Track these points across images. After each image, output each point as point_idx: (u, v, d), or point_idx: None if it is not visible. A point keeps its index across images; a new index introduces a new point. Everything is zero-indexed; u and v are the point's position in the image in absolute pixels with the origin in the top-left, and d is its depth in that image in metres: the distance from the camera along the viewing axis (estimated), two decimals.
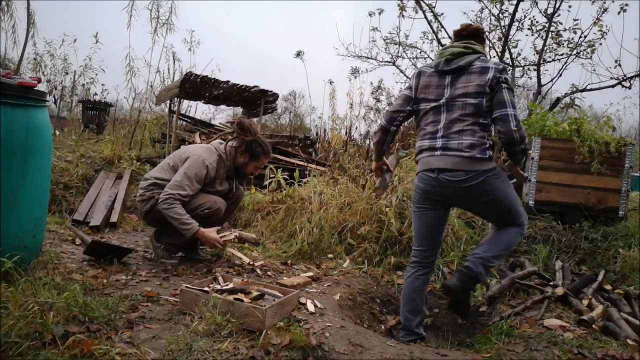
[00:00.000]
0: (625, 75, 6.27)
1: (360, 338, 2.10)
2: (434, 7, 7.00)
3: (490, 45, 6.97)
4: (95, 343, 1.68)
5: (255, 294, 2.33)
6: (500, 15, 6.76)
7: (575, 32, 6.49)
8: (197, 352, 1.76)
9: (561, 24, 6.57)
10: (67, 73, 7.63)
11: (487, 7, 6.87)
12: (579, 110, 6.01)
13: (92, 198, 4.28)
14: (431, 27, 7.18)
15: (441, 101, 2.33)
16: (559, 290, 2.87)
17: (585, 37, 6.42)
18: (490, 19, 6.91)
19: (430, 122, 2.36)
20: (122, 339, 1.83)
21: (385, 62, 8.00)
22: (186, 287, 2.29)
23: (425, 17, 7.09)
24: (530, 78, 7.20)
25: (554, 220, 4.22)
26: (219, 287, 2.48)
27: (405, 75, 8.00)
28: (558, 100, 6.80)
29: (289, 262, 3.42)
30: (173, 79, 7.43)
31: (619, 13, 6.21)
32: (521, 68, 7.15)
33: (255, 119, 6.46)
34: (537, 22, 6.67)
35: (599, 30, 6.33)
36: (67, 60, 7.52)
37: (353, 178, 4.54)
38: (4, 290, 1.94)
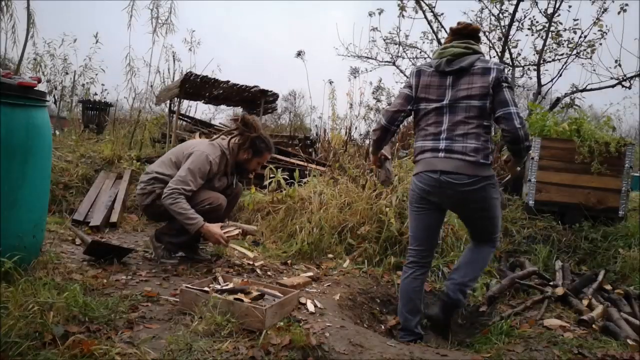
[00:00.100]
0: (625, 75, 6.27)
1: (360, 338, 2.10)
2: (434, 7, 7.01)
3: (490, 45, 6.98)
4: (95, 343, 1.68)
5: (255, 294, 2.33)
6: (500, 15, 6.76)
7: (575, 32, 6.50)
8: (197, 352, 1.76)
9: (561, 24, 6.57)
10: (67, 73, 7.63)
11: (487, 7, 6.88)
12: (579, 110, 6.02)
13: (92, 198, 4.28)
14: (431, 27, 7.19)
15: (444, 102, 2.31)
16: (559, 290, 2.88)
17: (585, 37, 6.43)
18: (490, 19, 6.91)
19: (432, 122, 2.34)
20: (122, 339, 1.83)
21: (385, 62, 8.01)
22: (186, 287, 2.29)
23: (425, 17, 7.09)
24: (530, 78, 7.21)
25: (554, 220, 4.22)
26: (219, 287, 2.48)
27: (405, 75, 8.00)
28: (558, 100, 6.80)
29: (289, 262, 3.42)
30: (173, 79, 7.44)
31: (619, 13, 6.22)
32: (521, 68, 7.15)
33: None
34: (537, 22, 6.68)
35: (599, 30, 6.34)
36: (67, 60, 7.53)
37: (353, 178, 4.54)
38: (4, 290, 1.94)
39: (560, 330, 2.40)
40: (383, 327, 2.84)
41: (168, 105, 6.60)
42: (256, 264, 3.20)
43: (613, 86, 6.38)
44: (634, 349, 2.18)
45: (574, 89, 6.73)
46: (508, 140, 2.30)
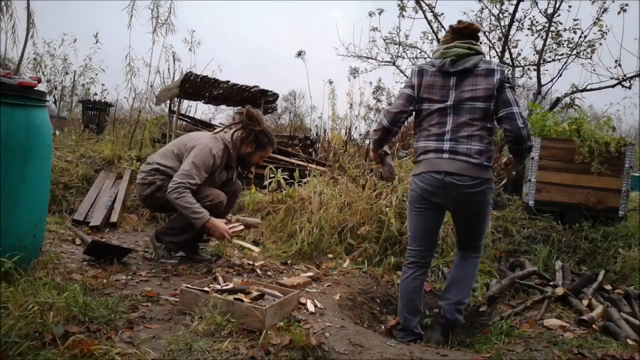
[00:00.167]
0: (625, 75, 6.27)
1: (360, 338, 2.10)
2: (434, 7, 7.01)
3: (490, 45, 6.98)
4: (95, 343, 1.68)
5: (255, 294, 2.33)
6: (500, 15, 6.76)
7: (575, 32, 6.50)
8: (197, 352, 1.76)
9: (561, 24, 6.57)
10: (67, 73, 7.62)
11: (487, 7, 6.88)
12: (579, 110, 6.02)
13: (92, 198, 4.28)
14: (431, 27, 7.19)
15: (447, 103, 2.30)
16: (559, 290, 2.88)
17: (585, 37, 6.43)
18: (490, 19, 6.91)
19: (435, 123, 2.33)
20: (122, 339, 1.83)
21: (385, 62, 8.00)
22: (186, 287, 2.29)
23: (425, 17, 7.09)
24: (530, 78, 7.20)
25: (554, 220, 4.22)
26: (219, 287, 2.48)
27: (405, 75, 8.00)
28: (558, 100, 6.80)
29: (289, 262, 3.42)
30: (173, 79, 7.43)
31: (619, 13, 6.21)
32: (521, 68, 7.15)
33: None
34: (537, 22, 6.68)
35: (599, 30, 6.34)
36: (67, 60, 7.52)
37: (353, 178, 4.54)
38: (4, 290, 1.94)
39: (560, 330, 2.40)
40: (383, 327, 2.84)
41: (168, 105, 6.59)
42: (256, 264, 3.20)
43: (613, 86, 6.38)
44: (634, 349, 2.18)
45: (574, 89, 6.73)
46: (510, 140, 2.31)
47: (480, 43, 2.51)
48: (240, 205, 4.59)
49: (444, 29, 7.11)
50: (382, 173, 2.77)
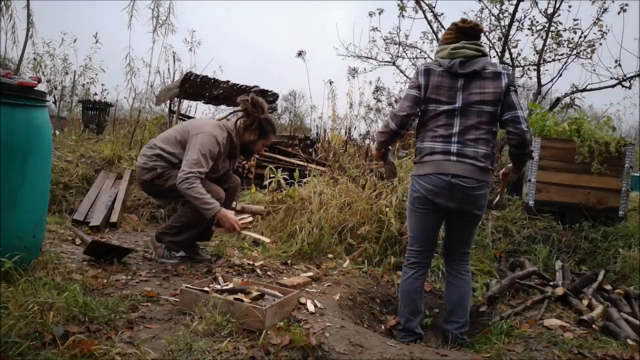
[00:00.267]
0: (625, 75, 6.26)
1: (360, 338, 2.10)
2: (434, 7, 7.00)
3: (490, 45, 6.97)
4: (95, 343, 1.68)
5: (255, 294, 2.33)
6: (500, 15, 6.75)
7: (575, 32, 6.49)
8: (197, 352, 1.76)
9: (561, 24, 6.56)
10: (67, 73, 7.62)
11: (487, 7, 6.87)
12: (579, 110, 6.02)
13: (92, 198, 4.28)
14: (431, 27, 7.18)
15: (456, 105, 2.28)
16: (559, 290, 2.88)
17: (585, 37, 6.42)
18: (490, 19, 6.90)
19: (442, 124, 2.31)
20: (122, 339, 1.83)
21: (385, 62, 8.00)
22: (186, 287, 2.29)
23: (425, 17, 7.08)
24: (530, 78, 7.19)
25: (554, 220, 4.22)
26: (219, 287, 2.48)
27: (405, 75, 8.00)
28: (558, 100, 6.79)
29: (289, 262, 3.42)
30: (173, 79, 7.43)
31: (619, 13, 6.21)
32: (521, 68, 7.14)
33: None
34: (537, 22, 6.67)
35: (599, 30, 6.33)
36: (67, 60, 7.51)
37: (353, 178, 4.54)
38: (4, 290, 1.94)
39: (560, 330, 2.40)
40: (383, 327, 2.84)
41: (168, 105, 6.59)
42: (256, 264, 3.21)
43: (613, 86, 6.37)
44: (634, 349, 2.18)
45: (574, 89, 6.72)
46: (514, 144, 2.32)
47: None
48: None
49: (444, 29, 7.07)
50: (384, 171, 2.76)
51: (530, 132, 2.27)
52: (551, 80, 6.85)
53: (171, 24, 7.18)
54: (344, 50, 8.09)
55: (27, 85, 2.31)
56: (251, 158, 3.98)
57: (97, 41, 7.25)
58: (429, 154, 2.34)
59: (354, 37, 17.78)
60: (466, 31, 2.37)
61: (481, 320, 2.85)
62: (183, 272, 2.89)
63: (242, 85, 6.12)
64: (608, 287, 3.11)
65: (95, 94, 7.54)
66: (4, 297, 1.86)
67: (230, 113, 3.21)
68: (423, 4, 6.97)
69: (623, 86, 6.31)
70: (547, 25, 6.53)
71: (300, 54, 9.02)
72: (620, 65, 6.26)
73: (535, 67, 6.81)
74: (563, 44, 6.62)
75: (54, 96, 7.48)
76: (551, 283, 3.09)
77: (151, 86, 7.57)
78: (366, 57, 8.02)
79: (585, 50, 6.48)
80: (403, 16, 7.17)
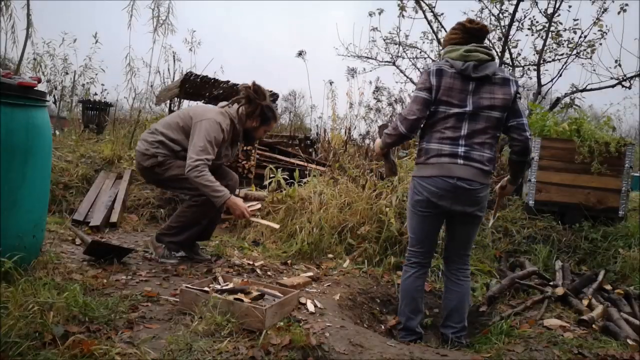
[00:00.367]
0: (625, 75, 6.26)
1: (360, 338, 2.10)
2: (434, 7, 7.00)
3: (490, 45, 6.97)
4: (95, 343, 1.69)
5: (255, 294, 2.33)
6: (500, 15, 6.75)
7: (575, 32, 6.49)
8: (197, 352, 1.76)
9: (561, 24, 6.56)
10: (67, 73, 7.62)
11: (487, 7, 6.86)
12: (579, 110, 6.01)
13: (92, 198, 4.28)
14: (431, 27, 7.18)
15: (466, 109, 2.26)
16: (559, 290, 2.87)
17: (585, 37, 6.42)
18: (490, 19, 6.90)
19: (450, 126, 2.28)
20: (122, 339, 1.83)
21: (385, 62, 8.00)
22: (186, 287, 2.29)
23: (425, 17, 7.08)
24: (530, 78, 7.19)
25: (554, 220, 4.22)
26: (219, 287, 2.48)
27: (405, 75, 8.00)
28: (558, 100, 6.79)
29: (289, 262, 3.42)
30: (173, 79, 7.43)
31: (619, 13, 6.21)
32: (521, 68, 7.14)
33: None
34: (537, 22, 6.67)
35: (599, 30, 6.32)
36: (67, 60, 7.52)
37: (353, 178, 4.54)
38: (4, 290, 1.94)
39: (560, 330, 2.40)
40: (383, 327, 2.84)
41: (168, 105, 6.59)
42: (256, 264, 3.21)
43: (613, 86, 6.37)
44: (634, 349, 2.18)
45: (574, 89, 6.72)
46: (517, 150, 2.34)
47: None
48: None
49: (444, 29, 7.11)
50: (384, 169, 2.75)
51: (531, 139, 2.30)
52: (551, 80, 6.85)
53: (171, 23, 7.18)
54: (344, 50, 8.09)
55: (27, 85, 2.31)
56: (253, 144, 3.99)
57: (97, 41, 7.26)
58: (436, 156, 2.31)
59: (354, 37, 17.82)
60: (474, 32, 2.34)
61: (481, 320, 2.85)
62: (183, 272, 2.89)
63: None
64: (608, 287, 3.11)
65: (95, 94, 7.55)
66: (4, 297, 1.86)
67: (233, 100, 3.18)
68: (423, 4, 6.97)
69: (623, 86, 6.31)
70: (547, 25, 6.53)
71: (300, 53, 9.03)
72: (620, 65, 6.26)
73: (535, 67, 6.81)
74: (563, 44, 6.61)
75: (54, 96, 7.48)
76: (551, 283, 3.09)
77: (151, 86, 7.57)
78: (366, 57, 8.02)
79: (585, 50, 6.48)
80: (403, 16, 7.17)
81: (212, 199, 2.86)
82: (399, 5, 7.07)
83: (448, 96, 2.27)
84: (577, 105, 6.66)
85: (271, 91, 6.39)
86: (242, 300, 2.18)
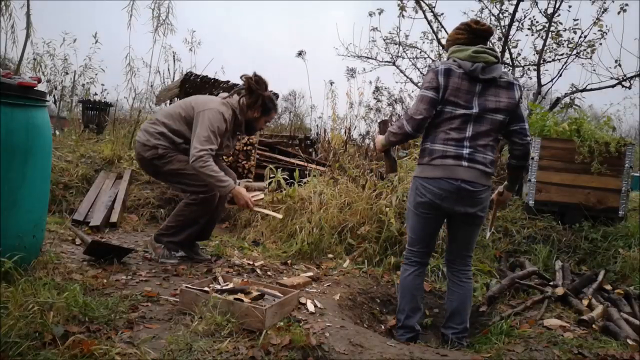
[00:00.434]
0: (625, 75, 6.26)
1: (360, 338, 2.10)
2: (434, 7, 7.00)
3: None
4: (95, 343, 1.69)
5: (255, 294, 2.33)
6: (500, 15, 6.75)
7: (575, 32, 6.48)
8: (197, 352, 1.76)
9: (561, 24, 6.56)
10: (67, 73, 7.62)
11: (487, 7, 6.86)
12: (579, 110, 6.01)
13: (92, 198, 4.28)
14: (431, 27, 7.18)
15: (473, 111, 2.25)
16: (559, 290, 2.87)
17: (585, 37, 6.42)
18: (490, 19, 6.90)
19: (455, 128, 2.27)
20: (122, 339, 1.83)
21: (385, 62, 7.99)
22: (186, 287, 2.29)
23: (425, 17, 7.08)
24: (530, 78, 7.19)
25: (554, 220, 4.22)
26: (219, 287, 2.48)
27: (405, 75, 8.00)
28: (558, 100, 6.79)
29: (289, 262, 3.42)
30: (173, 79, 7.43)
31: (619, 13, 6.20)
32: (521, 68, 7.14)
33: None
34: (537, 22, 6.67)
35: (599, 30, 6.32)
36: (67, 60, 7.52)
37: (353, 178, 4.54)
38: (4, 290, 1.94)
39: (560, 330, 2.40)
40: (383, 327, 2.84)
41: (168, 105, 6.59)
42: (256, 264, 3.21)
43: (613, 86, 6.37)
44: (634, 349, 2.18)
45: (574, 89, 6.71)
46: (518, 154, 2.37)
47: None
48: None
49: (444, 29, 7.12)
50: (384, 166, 2.74)
51: (532, 144, 2.31)
52: (551, 80, 6.85)
53: (170, 23, 7.18)
54: (344, 50, 8.09)
55: (27, 85, 2.31)
56: (253, 135, 4.01)
57: (96, 41, 7.25)
58: (440, 157, 2.29)
59: (354, 37, 17.81)
60: (480, 33, 2.34)
61: (481, 320, 2.85)
62: (183, 272, 2.89)
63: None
64: (608, 287, 3.11)
65: (95, 94, 7.55)
66: (4, 297, 1.86)
67: (234, 91, 3.18)
68: (423, 4, 6.97)
69: (623, 86, 6.31)
70: (547, 25, 6.53)
71: (300, 53, 9.03)
72: (620, 65, 6.26)
73: (535, 67, 6.81)
74: (563, 44, 6.61)
75: (54, 96, 7.48)
76: (551, 283, 3.09)
77: (151, 86, 7.57)
78: (366, 57, 8.02)
79: (585, 50, 6.48)
80: (403, 16, 7.17)
81: (217, 189, 2.88)
82: (399, 5, 7.07)
83: (455, 96, 2.25)
84: (577, 105, 6.66)
85: (271, 91, 6.40)
86: (242, 300, 2.18)
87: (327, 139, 7.76)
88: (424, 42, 7.71)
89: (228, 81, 5.97)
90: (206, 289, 2.36)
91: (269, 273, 3.11)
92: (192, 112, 2.97)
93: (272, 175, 4.58)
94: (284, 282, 2.78)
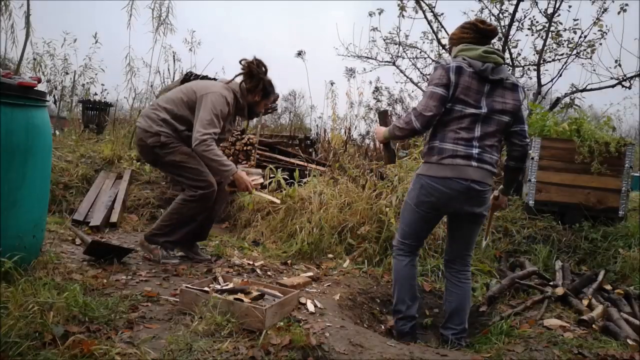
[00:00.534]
0: (625, 75, 6.27)
1: (360, 338, 2.10)
2: (434, 7, 7.01)
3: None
4: (95, 343, 1.68)
5: (255, 294, 2.33)
6: (500, 15, 6.76)
7: (575, 32, 6.50)
8: (197, 352, 1.76)
9: (561, 24, 6.57)
10: (67, 73, 7.63)
11: (487, 7, 6.88)
12: (579, 110, 6.01)
13: (92, 198, 4.28)
14: (431, 27, 7.19)
15: (482, 111, 2.25)
16: (559, 290, 2.87)
17: (585, 37, 6.43)
18: (490, 18, 6.90)
19: (464, 127, 2.26)
20: (122, 339, 1.83)
21: (385, 62, 8.00)
22: (186, 287, 2.29)
23: (425, 17, 7.09)
24: (530, 78, 7.20)
25: (554, 220, 4.22)
26: (219, 287, 2.48)
27: (405, 75, 8.01)
28: (558, 100, 6.80)
29: (289, 262, 3.42)
30: (173, 79, 7.43)
31: (619, 13, 6.21)
32: (521, 68, 7.15)
33: (255, 119, 6.46)
34: (537, 22, 6.68)
35: (599, 30, 6.33)
36: (67, 60, 7.53)
37: (353, 178, 4.54)
38: (4, 290, 1.94)
39: (560, 330, 2.40)
40: (383, 327, 2.83)
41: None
42: (256, 264, 3.20)
43: (613, 86, 6.38)
44: (634, 349, 2.18)
45: (574, 89, 6.72)
46: (517, 156, 2.38)
47: None
48: (240, 205, 4.59)
49: (444, 29, 7.13)
50: (384, 157, 2.74)
51: (530, 146, 2.32)
52: (551, 80, 6.86)
53: (170, 23, 7.18)
54: (344, 50, 8.11)
55: (27, 85, 2.31)
56: (254, 118, 4.05)
57: (96, 41, 7.26)
58: (451, 157, 2.27)
59: (354, 37, 17.84)
60: (486, 33, 2.33)
61: (481, 320, 2.85)
62: (183, 272, 2.89)
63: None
64: (608, 287, 3.11)
65: (95, 94, 7.56)
66: (4, 297, 1.86)
67: (236, 76, 3.18)
68: (423, 4, 6.98)
69: (623, 86, 6.31)
70: (547, 25, 6.54)
71: (299, 53, 9.03)
72: (620, 65, 6.27)
73: (535, 67, 6.82)
74: (563, 44, 6.62)
75: (54, 96, 7.49)
76: (551, 283, 3.09)
77: (151, 86, 7.58)
78: (366, 57, 8.04)
79: (585, 50, 6.49)
80: (403, 16, 7.19)
81: (220, 172, 2.90)
82: (399, 5, 7.08)
83: (465, 95, 2.23)
84: (577, 105, 6.67)
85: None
86: (242, 300, 2.18)
87: (327, 139, 7.76)
88: (424, 42, 7.74)
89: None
90: (206, 289, 2.36)
91: (269, 273, 3.11)
92: (194, 96, 2.97)
93: (272, 175, 4.58)
94: (284, 282, 2.78)
